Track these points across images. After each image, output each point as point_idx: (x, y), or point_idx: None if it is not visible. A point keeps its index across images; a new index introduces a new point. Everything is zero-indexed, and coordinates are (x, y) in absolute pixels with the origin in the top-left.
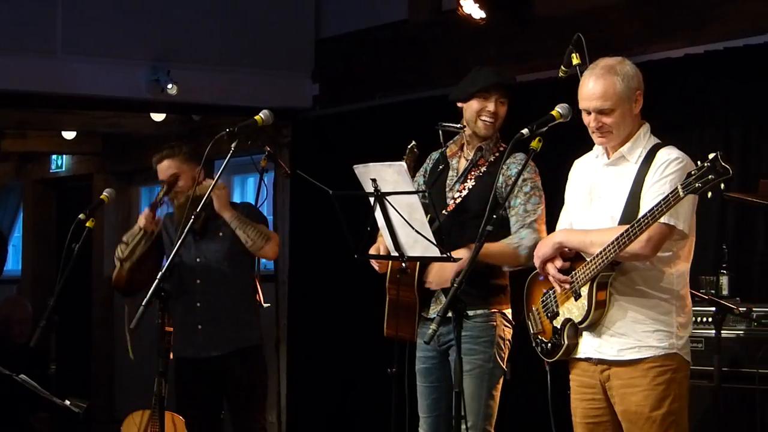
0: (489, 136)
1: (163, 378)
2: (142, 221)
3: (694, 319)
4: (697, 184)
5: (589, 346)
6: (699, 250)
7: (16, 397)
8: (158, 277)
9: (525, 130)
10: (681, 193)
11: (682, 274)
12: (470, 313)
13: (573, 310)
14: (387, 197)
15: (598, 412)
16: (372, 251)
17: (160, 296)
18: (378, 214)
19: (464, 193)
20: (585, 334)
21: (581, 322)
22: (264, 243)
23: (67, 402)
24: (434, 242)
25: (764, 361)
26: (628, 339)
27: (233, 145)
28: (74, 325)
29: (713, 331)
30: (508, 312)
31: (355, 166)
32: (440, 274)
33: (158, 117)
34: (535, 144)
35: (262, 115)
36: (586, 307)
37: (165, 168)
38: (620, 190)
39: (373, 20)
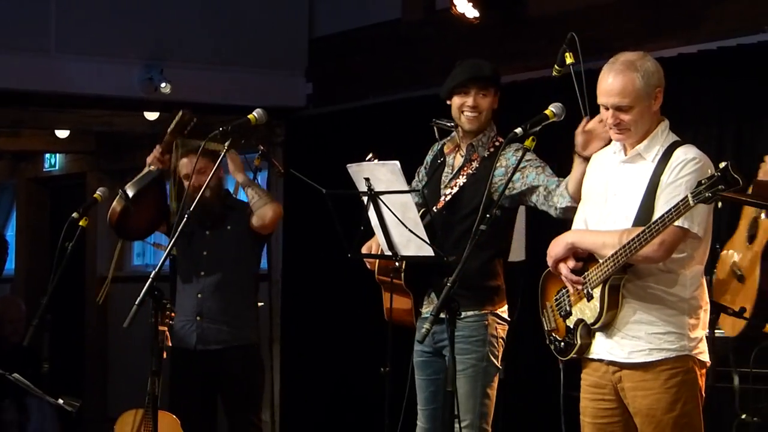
0: (475, 130)
1: (156, 377)
2: (150, 157)
3: None
4: (707, 194)
5: (601, 347)
6: None
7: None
8: (151, 276)
9: (518, 129)
10: (691, 202)
11: (696, 275)
12: (461, 314)
13: (585, 311)
14: (380, 196)
15: (608, 413)
16: (364, 250)
17: (153, 295)
18: (371, 214)
19: (455, 190)
20: (598, 335)
21: (593, 324)
22: (268, 202)
23: (60, 401)
24: (428, 241)
25: (757, 361)
26: (639, 342)
27: (227, 143)
28: (67, 324)
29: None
30: (502, 311)
31: (348, 165)
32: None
33: (152, 116)
34: (528, 143)
35: (255, 114)
36: (598, 309)
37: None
38: (636, 190)
39: (367, 19)
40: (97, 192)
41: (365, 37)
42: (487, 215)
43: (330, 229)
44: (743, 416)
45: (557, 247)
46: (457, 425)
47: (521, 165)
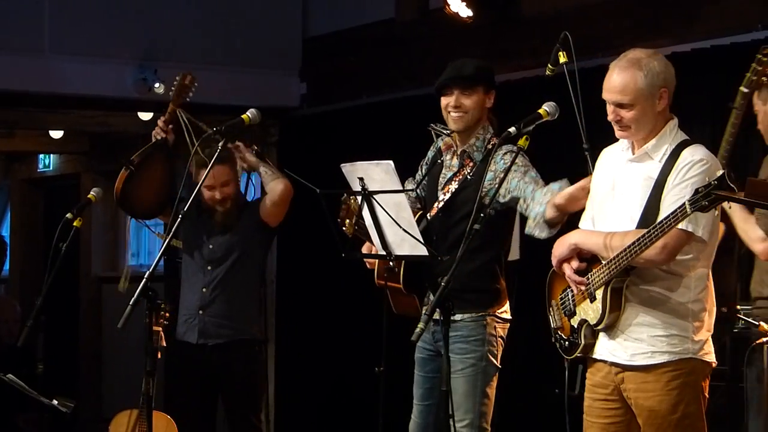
0: (462, 129)
1: (151, 377)
2: (155, 130)
3: None
4: (704, 202)
5: (604, 348)
6: None
7: (4, 397)
8: (145, 276)
9: (512, 129)
10: (688, 210)
11: (701, 277)
12: (458, 317)
13: (588, 311)
14: (374, 196)
15: (611, 413)
16: (364, 250)
17: (148, 296)
18: (365, 213)
19: (447, 196)
20: (601, 335)
21: (596, 325)
22: (278, 177)
23: (55, 401)
24: (421, 241)
25: (749, 360)
26: (642, 344)
27: (220, 144)
28: (62, 324)
29: None
30: (503, 311)
31: (342, 164)
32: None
33: (145, 116)
34: (522, 142)
35: (249, 113)
36: (600, 311)
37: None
38: (641, 190)
39: (361, 19)
40: (91, 192)
41: (359, 37)
42: (481, 215)
43: (324, 229)
44: None
45: (561, 247)
46: (452, 425)
47: (508, 174)
